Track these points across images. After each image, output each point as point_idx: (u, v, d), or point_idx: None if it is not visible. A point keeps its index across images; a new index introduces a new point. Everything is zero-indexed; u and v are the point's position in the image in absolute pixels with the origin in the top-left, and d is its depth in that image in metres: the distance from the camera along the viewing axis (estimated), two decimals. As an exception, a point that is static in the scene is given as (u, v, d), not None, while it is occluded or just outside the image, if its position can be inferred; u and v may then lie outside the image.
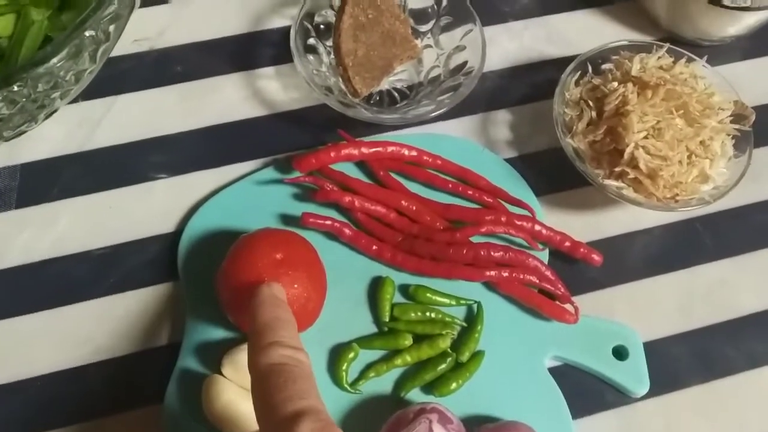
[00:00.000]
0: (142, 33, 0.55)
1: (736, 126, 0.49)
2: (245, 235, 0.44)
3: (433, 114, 0.50)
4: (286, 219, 0.49)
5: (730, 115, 0.49)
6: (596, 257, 0.48)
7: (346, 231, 0.47)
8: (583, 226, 0.51)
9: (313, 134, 0.52)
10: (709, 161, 0.47)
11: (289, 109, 0.54)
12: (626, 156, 0.46)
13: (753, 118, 0.49)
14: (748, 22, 0.55)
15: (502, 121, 0.54)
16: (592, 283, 0.49)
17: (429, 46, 0.55)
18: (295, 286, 0.41)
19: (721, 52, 0.58)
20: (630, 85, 0.48)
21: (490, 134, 0.54)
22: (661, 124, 0.47)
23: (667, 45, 0.51)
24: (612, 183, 0.48)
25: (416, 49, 0.53)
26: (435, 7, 0.54)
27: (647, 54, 0.50)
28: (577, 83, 0.51)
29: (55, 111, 0.45)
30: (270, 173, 0.50)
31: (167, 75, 0.54)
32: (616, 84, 0.48)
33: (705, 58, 0.52)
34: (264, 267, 0.41)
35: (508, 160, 0.52)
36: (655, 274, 0.50)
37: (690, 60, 0.51)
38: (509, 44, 0.57)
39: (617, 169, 0.47)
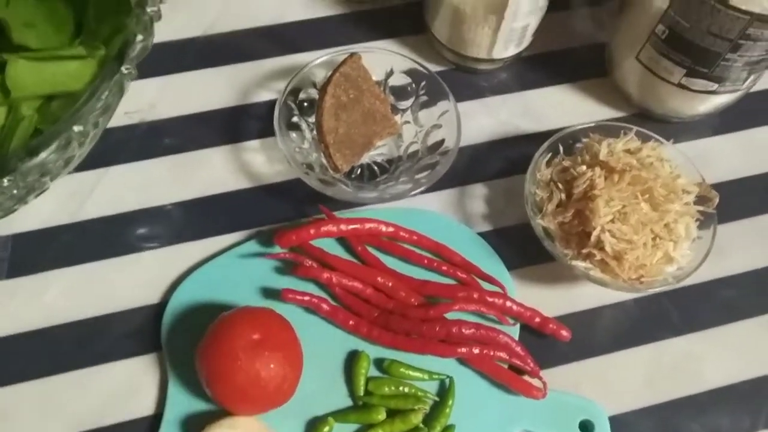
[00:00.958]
0: (134, 105, 0.58)
1: (700, 208, 0.51)
2: (224, 314, 0.46)
3: (410, 193, 0.52)
4: (268, 292, 0.51)
5: (695, 198, 0.51)
6: (564, 333, 0.50)
7: (324, 306, 0.49)
8: (553, 300, 0.52)
9: (296, 207, 0.54)
10: (673, 244, 0.49)
11: (274, 181, 0.56)
12: (593, 239, 0.48)
13: (716, 200, 0.51)
14: (716, 102, 0.57)
15: (478, 195, 0.56)
16: (561, 357, 0.51)
17: (408, 122, 0.57)
18: (272, 366, 0.43)
19: (690, 129, 0.60)
20: (598, 169, 0.50)
21: (467, 208, 0.56)
22: (627, 209, 0.48)
23: (635, 129, 0.53)
24: (579, 264, 0.49)
25: (395, 126, 0.55)
26: (414, 85, 0.56)
27: (615, 138, 0.52)
28: (548, 164, 0.53)
29: (46, 190, 0.47)
30: (253, 246, 0.52)
31: (157, 147, 0.56)
32: (584, 168, 0.50)
33: (672, 141, 0.54)
34: (241, 348, 0.43)
35: (483, 234, 0.54)
36: (623, 348, 0.52)
37: (657, 141, 0.53)
38: (487, 119, 0.60)
39: (584, 251, 0.49)
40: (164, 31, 0.61)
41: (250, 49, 0.61)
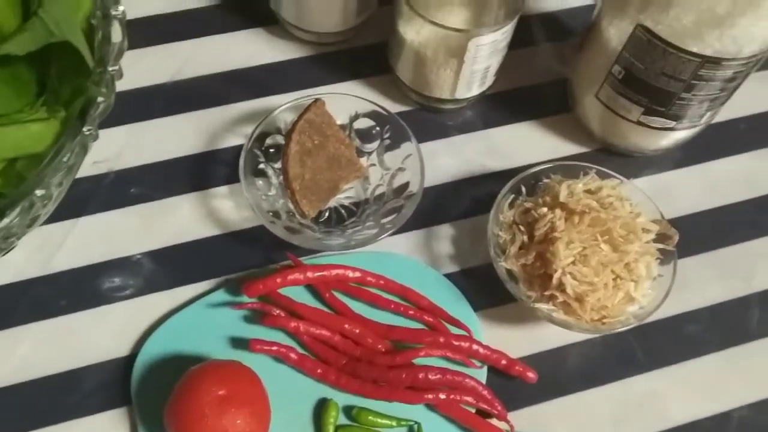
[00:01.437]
0: (102, 155, 0.58)
1: (660, 246, 0.52)
2: (192, 369, 0.46)
3: (376, 239, 0.52)
4: (238, 342, 0.51)
5: (655, 236, 0.52)
6: (531, 375, 0.51)
7: (292, 355, 0.50)
8: (520, 340, 0.53)
9: (265, 253, 0.55)
10: (633, 284, 0.50)
11: (242, 228, 0.56)
12: (554, 281, 0.49)
13: (676, 238, 0.52)
14: (676, 137, 0.58)
15: (444, 236, 0.57)
16: (528, 398, 0.51)
17: (374, 164, 0.58)
18: (238, 422, 0.44)
19: (653, 163, 0.61)
20: (558, 211, 0.50)
21: (434, 249, 0.56)
22: (588, 251, 0.49)
23: (595, 168, 0.54)
24: (542, 306, 0.50)
25: (361, 170, 0.56)
26: (378, 128, 0.57)
27: (575, 179, 0.53)
28: (511, 205, 0.54)
29: (13, 248, 0.48)
30: (222, 295, 0.53)
31: (125, 196, 0.57)
32: (545, 210, 0.51)
33: (631, 179, 0.54)
34: (207, 404, 0.43)
35: (450, 275, 0.55)
36: (590, 387, 0.52)
37: (617, 180, 0.54)
38: (452, 158, 0.60)
39: (547, 293, 0.49)
40: (131, 79, 0.61)
41: (217, 93, 0.62)
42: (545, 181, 0.54)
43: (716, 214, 0.59)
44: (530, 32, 0.67)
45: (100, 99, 0.44)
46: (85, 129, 0.44)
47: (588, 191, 0.52)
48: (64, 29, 0.43)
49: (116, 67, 0.46)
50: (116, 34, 0.48)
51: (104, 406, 0.50)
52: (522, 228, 0.52)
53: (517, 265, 0.51)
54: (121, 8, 0.48)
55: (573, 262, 0.49)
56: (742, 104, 0.63)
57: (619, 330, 0.50)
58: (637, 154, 0.61)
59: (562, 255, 0.49)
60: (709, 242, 0.58)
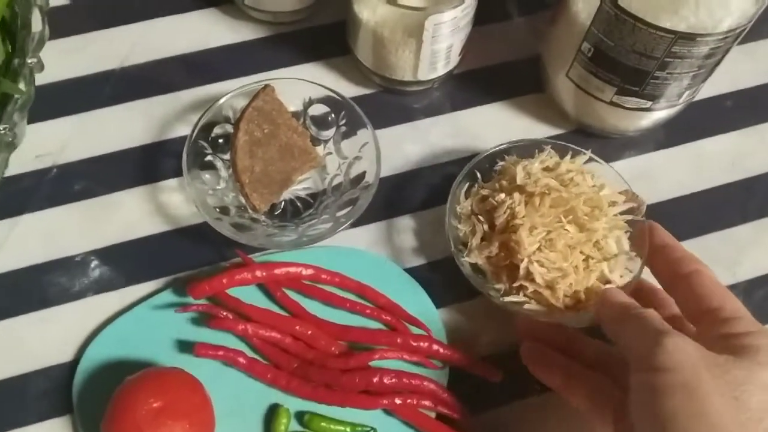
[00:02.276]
0: (45, 148, 0.55)
1: (629, 217, 0.48)
2: (129, 379, 0.43)
3: (330, 234, 0.49)
4: (185, 345, 0.48)
5: (623, 210, 0.48)
6: (494, 375, 0.48)
7: (240, 359, 0.47)
8: (485, 338, 0.50)
9: (216, 250, 0.52)
10: (606, 263, 0.47)
11: (192, 223, 0.53)
12: (522, 271, 0.46)
13: (644, 207, 0.48)
14: (655, 117, 0.54)
15: (407, 227, 0.54)
16: (493, 399, 0.49)
17: (330, 153, 0.54)
18: (175, 435, 0.41)
19: (633, 144, 0.57)
20: (517, 195, 0.47)
21: (395, 242, 0.53)
22: (552, 235, 0.46)
23: (550, 144, 0.51)
24: (513, 299, 0.47)
25: (316, 159, 0.53)
26: (333, 115, 0.54)
27: (531, 159, 0.49)
28: (468, 194, 0.50)
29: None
30: (169, 296, 0.50)
31: (70, 192, 0.54)
32: (503, 195, 0.48)
33: (590, 150, 0.50)
34: (141, 418, 0.41)
35: (412, 270, 0.52)
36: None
37: (576, 154, 0.50)
38: (416, 144, 0.57)
39: (515, 284, 0.47)
40: (77, 66, 0.58)
41: (168, 79, 0.58)
42: (500, 164, 0.51)
43: (701, 198, 0.56)
44: (503, 5, 0.63)
45: (16, 95, 0.41)
46: (0, 127, 0.41)
47: (546, 169, 0.49)
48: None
49: (35, 60, 0.42)
50: (36, 22, 0.44)
51: (47, 415, 0.48)
52: (481, 218, 0.49)
53: (481, 257, 0.48)
54: (43, -7, 0.45)
55: (539, 249, 0.46)
56: (728, 79, 0.60)
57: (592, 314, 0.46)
58: (615, 136, 0.57)
59: (526, 242, 0.45)
60: (693, 228, 0.55)
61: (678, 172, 0.57)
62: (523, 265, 0.46)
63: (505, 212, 0.47)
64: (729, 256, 0.54)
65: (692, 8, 0.45)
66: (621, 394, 0.41)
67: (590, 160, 0.50)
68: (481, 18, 0.55)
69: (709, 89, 0.58)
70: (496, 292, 0.47)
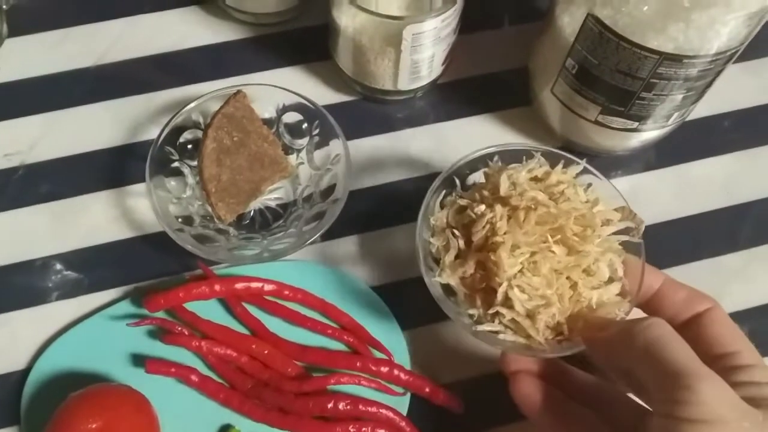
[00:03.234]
0: (14, 146, 0.54)
1: (624, 238, 0.42)
2: (71, 396, 0.42)
3: (294, 249, 0.47)
4: (138, 359, 0.47)
5: (617, 230, 0.43)
6: (456, 405, 0.46)
7: (193, 377, 0.46)
8: (452, 364, 0.48)
9: (179, 259, 0.50)
10: (597, 292, 0.41)
11: (158, 230, 0.52)
12: (499, 296, 0.40)
13: (643, 227, 0.43)
14: (644, 137, 0.52)
15: (378, 244, 0.52)
16: (455, 428, 0.47)
17: (303, 163, 0.52)
18: (111, 458, 0.40)
19: (622, 163, 0.55)
20: (499, 207, 0.41)
21: (365, 259, 0.51)
22: (537, 256, 0.40)
23: (540, 151, 0.45)
24: (486, 328, 0.41)
25: (287, 170, 0.51)
26: (306, 124, 0.52)
27: (517, 167, 0.43)
28: (443, 205, 0.45)
29: None
30: (125, 307, 0.48)
31: (36, 193, 0.53)
32: (483, 207, 0.41)
33: (584, 159, 0.45)
34: (79, 439, 0.40)
35: (380, 288, 0.50)
36: (524, 419, 0.47)
37: (568, 164, 0.44)
38: (396, 155, 0.55)
39: (491, 311, 0.40)
40: (52, 62, 0.57)
41: (144, 79, 0.57)
42: (483, 170, 0.45)
43: (688, 224, 0.53)
44: (493, 14, 0.60)
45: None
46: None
47: (534, 179, 0.43)
48: None
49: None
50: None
51: (-5, 426, 0.46)
52: (457, 232, 0.42)
53: (454, 278, 0.42)
54: (3, -8, 0.43)
55: (521, 272, 0.40)
56: (728, 98, 0.57)
57: (581, 349, 0.41)
58: (603, 155, 0.54)
59: (506, 264, 0.39)
60: (678, 255, 0.52)
61: (665, 195, 0.54)
62: (501, 290, 0.40)
63: (484, 227, 0.41)
64: (714, 287, 0.51)
65: (682, 28, 0.42)
66: None
67: (584, 171, 0.45)
68: (469, 26, 0.53)
69: (706, 108, 0.55)
70: (469, 318, 0.42)
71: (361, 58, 0.52)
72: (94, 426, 0.40)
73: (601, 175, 0.45)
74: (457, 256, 0.42)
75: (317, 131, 0.51)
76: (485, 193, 0.43)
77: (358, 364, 0.46)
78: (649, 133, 0.51)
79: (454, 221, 0.43)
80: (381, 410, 0.45)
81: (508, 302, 0.40)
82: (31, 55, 0.57)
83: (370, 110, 0.56)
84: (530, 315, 0.40)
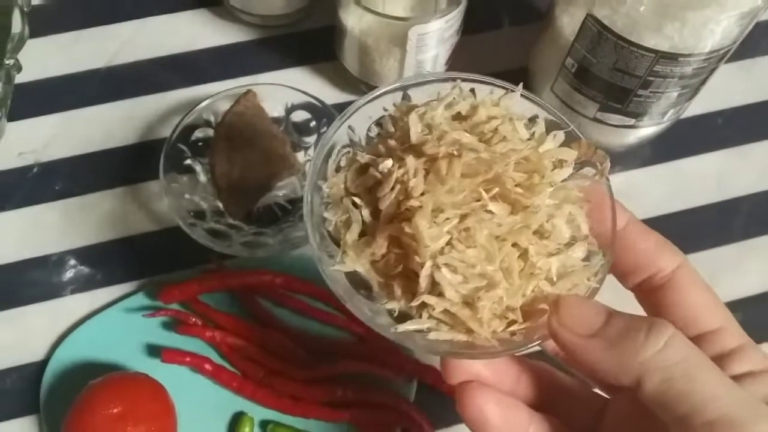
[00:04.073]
0: (28, 145, 0.55)
1: (586, 182, 0.31)
2: (91, 384, 0.44)
3: (305, 243, 0.49)
4: (153, 350, 0.48)
5: (576, 166, 0.31)
6: (462, 393, 0.47)
7: (207, 366, 0.47)
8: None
9: (192, 253, 0.52)
10: (556, 260, 0.30)
11: (170, 225, 0.53)
12: (423, 281, 0.28)
13: (607, 164, 0.31)
14: (641, 134, 0.53)
15: (384, 237, 0.53)
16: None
17: (310, 160, 0.54)
18: (133, 442, 0.41)
19: (620, 160, 0.57)
20: (411, 160, 0.29)
21: (371, 252, 0.53)
22: (469, 220, 0.28)
23: (460, 77, 0.32)
24: (409, 327, 0.29)
25: (295, 166, 0.53)
26: (315, 122, 0.53)
27: (432, 104, 0.31)
28: (340, 168, 0.32)
29: None
30: (140, 300, 0.50)
31: (50, 191, 0.54)
32: (390, 163, 0.29)
33: (521, 85, 0.33)
34: (100, 423, 0.41)
35: (387, 280, 0.52)
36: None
37: (501, 90, 0.33)
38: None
39: (414, 303, 0.29)
40: (64, 64, 0.59)
41: (154, 80, 0.58)
42: (387, 112, 0.32)
43: (680, 218, 0.55)
44: (493, 14, 0.62)
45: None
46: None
47: (457, 118, 0.31)
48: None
49: (12, 61, 0.42)
50: (16, 23, 0.44)
51: (15, 413, 0.48)
52: (359, 201, 0.30)
53: (361, 263, 0.30)
54: (23, -6, 0.45)
55: (448, 243, 0.28)
56: (721, 96, 0.59)
57: (537, 345, 0.30)
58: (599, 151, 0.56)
59: (426, 236, 0.28)
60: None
61: (660, 190, 0.56)
62: (424, 272, 0.28)
63: (393, 188, 0.29)
64: (709, 278, 0.53)
65: (677, 27, 0.44)
66: None
67: (524, 97, 0.33)
68: (470, 26, 0.55)
69: (700, 106, 0.57)
70: (389, 316, 0.30)
71: (367, 59, 0.54)
72: (115, 411, 0.41)
73: (544, 102, 0.33)
74: (362, 233, 0.30)
75: (325, 129, 0.53)
76: (392, 143, 0.30)
77: (365, 352, 0.47)
78: (645, 129, 0.53)
79: (354, 186, 0.31)
80: (389, 397, 0.46)
81: (436, 288, 0.29)
82: (43, 57, 0.58)
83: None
84: (468, 302, 0.29)
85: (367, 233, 0.30)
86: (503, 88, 0.33)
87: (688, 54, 0.45)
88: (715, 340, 0.31)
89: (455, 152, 0.28)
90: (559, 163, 0.31)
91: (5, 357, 0.49)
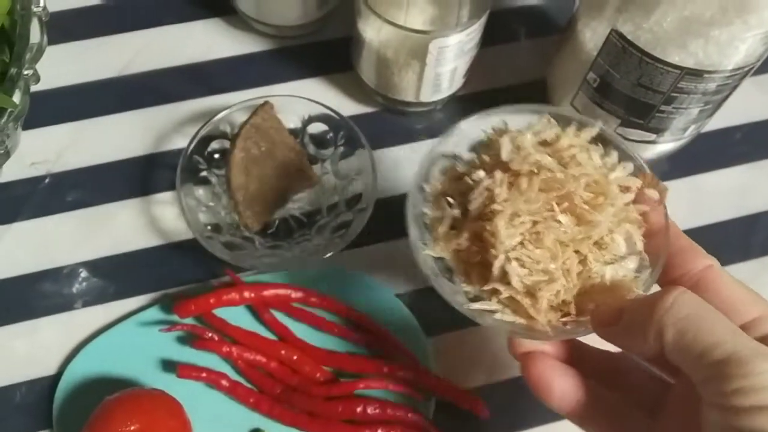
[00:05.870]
0: (41, 155, 0.55)
1: (645, 209, 0.38)
2: (107, 400, 0.43)
3: (322, 256, 0.48)
4: (168, 365, 0.48)
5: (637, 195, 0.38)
6: (481, 409, 0.47)
7: (223, 382, 0.46)
8: (475, 369, 0.49)
9: (206, 267, 0.51)
10: (611, 267, 0.36)
11: (184, 238, 0.53)
12: (495, 271, 0.36)
13: (666, 195, 0.38)
14: (660, 149, 0.53)
15: (401, 251, 0.53)
16: (480, 433, 0.48)
17: (327, 173, 0.53)
18: (149, 460, 0.40)
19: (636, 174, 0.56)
20: (499, 173, 0.36)
21: (388, 266, 0.52)
22: (540, 226, 0.35)
23: (548, 110, 0.40)
24: (480, 306, 0.36)
25: (312, 179, 0.52)
26: (332, 134, 0.53)
27: (523, 129, 0.39)
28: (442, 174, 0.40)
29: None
30: (155, 313, 0.49)
31: (63, 202, 0.53)
32: (482, 173, 0.37)
33: (599, 121, 0.40)
34: (116, 441, 0.40)
35: (404, 295, 0.51)
36: (552, 421, 0.48)
37: (582, 126, 0.39)
38: (416, 166, 0.55)
39: (486, 287, 0.36)
40: (77, 72, 0.58)
41: (168, 90, 0.58)
42: (485, 132, 0.40)
43: (698, 234, 0.53)
44: (509, 27, 0.62)
45: (9, 109, 0.40)
46: (-10, 140, 0.40)
47: (542, 144, 0.38)
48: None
49: (31, 71, 0.42)
50: (35, 33, 0.43)
51: (26, 429, 0.47)
52: (452, 200, 0.38)
53: (448, 251, 0.38)
54: (42, 3, 0.44)
55: (521, 243, 0.35)
56: (740, 111, 0.58)
57: (587, 333, 0.36)
58: (618, 165, 0.55)
59: (503, 234, 0.35)
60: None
61: (677, 205, 0.54)
62: (497, 263, 0.35)
63: (481, 194, 0.36)
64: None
65: (701, 44, 0.44)
66: (646, 418, 0.36)
67: (601, 136, 0.39)
68: (486, 38, 0.54)
69: (721, 120, 0.57)
70: (464, 296, 0.38)
71: (385, 71, 0.53)
72: (132, 428, 0.41)
73: (621, 139, 0.40)
74: (452, 227, 0.38)
75: (342, 141, 0.52)
76: (486, 158, 0.38)
77: (385, 369, 0.47)
78: (665, 145, 0.53)
79: (451, 189, 0.39)
80: (409, 414, 0.46)
81: (505, 278, 0.36)
82: (56, 65, 0.57)
83: (390, 121, 0.58)
84: (530, 292, 0.36)
85: (455, 228, 0.38)
86: (585, 121, 0.39)
87: (712, 71, 0.44)
88: (756, 327, 0.34)
89: (535, 170, 0.36)
90: (625, 189, 0.37)
91: (16, 370, 0.48)
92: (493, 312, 0.37)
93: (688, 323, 0.31)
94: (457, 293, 0.38)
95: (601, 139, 0.39)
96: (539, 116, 0.40)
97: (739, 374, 0.29)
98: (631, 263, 0.37)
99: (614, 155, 0.39)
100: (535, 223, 0.35)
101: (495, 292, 0.36)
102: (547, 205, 0.36)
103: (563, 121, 0.39)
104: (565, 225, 0.36)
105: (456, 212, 0.38)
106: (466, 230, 0.37)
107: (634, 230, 0.37)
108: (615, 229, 0.36)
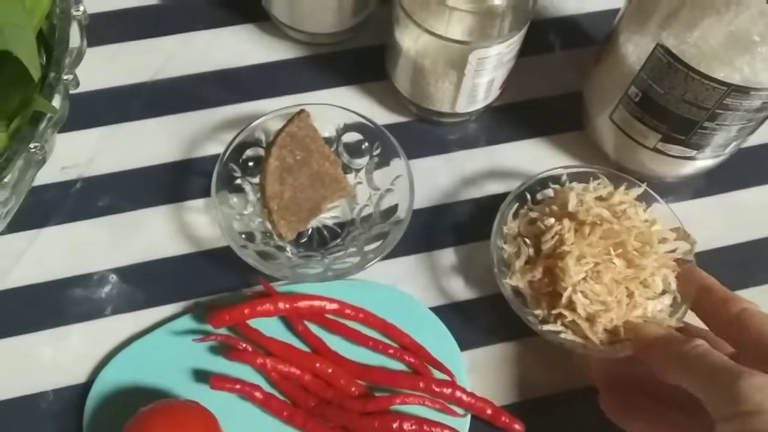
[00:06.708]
0: (72, 159, 0.54)
1: (678, 257, 0.47)
2: (141, 411, 0.42)
3: (358, 269, 0.48)
4: (201, 375, 0.47)
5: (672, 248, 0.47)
6: (517, 427, 0.46)
7: (257, 394, 0.46)
8: (508, 385, 0.49)
9: (239, 275, 0.51)
10: (651, 302, 0.45)
11: (216, 246, 0.52)
12: (564, 299, 0.44)
13: (695, 247, 0.47)
14: (698, 165, 0.52)
15: (435, 264, 0.52)
16: (515, 451, 0.47)
17: (361, 182, 0.53)
18: (185, 473, 0.40)
19: (673, 189, 0.55)
20: (567, 222, 0.46)
21: (422, 279, 0.52)
22: (600, 267, 0.45)
23: (604, 173, 0.50)
24: (550, 328, 0.45)
25: (346, 189, 0.51)
26: (367, 143, 0.52)
27: (584, 186, 0.49)
28: (515, 215, 0.49)
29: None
30: (187, 322, 0.49)
31: (93, 207, 0.53)
32: (552, 220, 0.46)
33: (645, 183, 0.49)
34: (154, 454, 0.40)
35: (438, 309, 0.50)
36: (584, 440, 0.48)
37: (630, 185, 0.49)
38: (450, 177, 0.55)
39: (554, 311, 0.45)
40: (108, 77, 0.58)
41: (200, 95, 0.57)
42: (552, 187, 0.50)
43: (737, 251, 0.54)
44: (545, 38, 0.61)
45: (48, 115, 0.40)
46: (31, 145, 0.40)
47: (598, 198, 0.48)
48: (7, 36, 0.38)
49: (71, 76, 0.41)
50: (75, 37, 0.43)
51: (56, 437, 0.46)
52: (527, 241, 0.47)
53: (524, 281, 0.47)
54: (81, 8, 0.44)
55: (584, 279, 0.44)
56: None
57: (629, 353, 0.44)
58: (654, 181, 0.55)
59: (572, 271, 0.44)
60: (727, 282, 0.52)
61: (714, 222, 0.55)
62: (566, 294, 0.44)
63: (553, 237, 0.46)
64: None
65: (747, 60, 0.43)
66: None
67: (645, 194, 0.49)
68: (522, 50, 0.54)
69: (756, 137, 0.55)
70: (534, 318, 0.46)
71: (421, 80, 0.53)
72: (169, 441, 0.40)
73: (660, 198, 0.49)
74: (526, 262, 0.47)
75: (378, 151, 0.52)
76: (554, 208, 0.48)
77: (421, 385, 0.46)
78: (704, 161, 0.52)
79: (525, 231, 0.48)
80: (445, 431, 0.45)
81: (571, 305, 0.45)
82: (87, 70, 0.57)
83: (424, 131, 0.57)
84: (590, 318, 0.45)
85: (529, 263, 0.47)
86: (633, 182, 0.50)
87: (760, 88, 0.44)
88: None
89: (597, 221, 0.46)
90: (663, 240, 0.47)
91: (47, 379, 0.48)
92: (558, 332, 0.45)
93: (700, 355, 0.39)
94: (528, 314, 0.46)
95: (645, 195, 0.49)
96: (598, 176, 0.50)
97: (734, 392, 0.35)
98: (667, 300, 0.46)
99: (654, 211, 0.48)
100: (596, 264, 0.45)
101: (560, 316, 0.45)
102: (605, 250, 0.45)
103: (614, 180, 0.49)
104: (619, 267, 0.45)
105: (530, 251, 0.47)
106: (539, 265, 0.46)
107: (670, 274, 0.46)
108: (655, 272, 0.45)
